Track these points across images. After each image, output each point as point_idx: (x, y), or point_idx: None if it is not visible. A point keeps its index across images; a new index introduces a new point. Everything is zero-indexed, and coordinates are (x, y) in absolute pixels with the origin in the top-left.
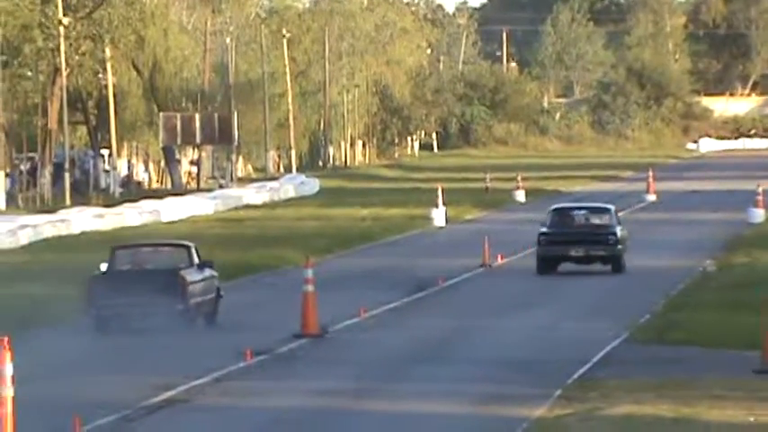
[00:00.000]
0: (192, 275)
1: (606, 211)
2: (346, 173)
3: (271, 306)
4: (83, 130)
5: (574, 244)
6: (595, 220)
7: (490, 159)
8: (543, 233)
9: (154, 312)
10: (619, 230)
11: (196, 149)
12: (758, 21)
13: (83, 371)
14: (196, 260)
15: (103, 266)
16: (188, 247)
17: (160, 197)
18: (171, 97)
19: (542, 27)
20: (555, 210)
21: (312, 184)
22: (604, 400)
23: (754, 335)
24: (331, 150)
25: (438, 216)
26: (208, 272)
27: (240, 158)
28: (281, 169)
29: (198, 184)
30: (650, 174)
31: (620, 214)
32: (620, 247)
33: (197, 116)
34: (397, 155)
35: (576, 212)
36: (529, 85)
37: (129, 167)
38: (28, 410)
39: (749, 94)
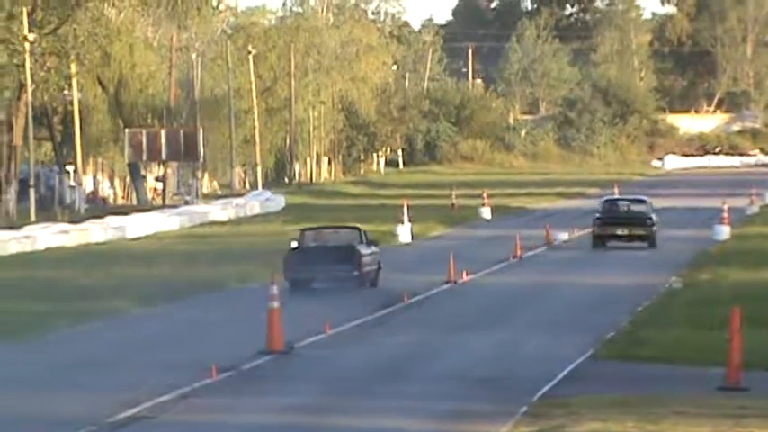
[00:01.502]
0: (363, 250)
1: (644, 201)
2: (312, 189)
3: (236, 322)
4: (48, 146)
5: (620, 225)
6: (636, 208)
7: (456, 176)
8: (597, 217)
9: (336, 277)
10: (654, 216)
11: (161, 166)
12: (723, 38)
13: (41, 389)
14: (365, 239)
15: (294, 243)
16: (359, 229)
17: (126, 213)
18: (136, 113)
19: (508, 44)
20: (606, 200)
21: (278, 201)
22: (570, 417)
23: (719, 351)
24: (297, 167)
25: (404, 232)
26: (373, 248)
27: (206, 175)
28: (247, 186)
29: (163, 200)
30: (615, 191)
31: (586, 231)
32: (654, 228)
33: (162, 132)
34: (362, 171)
35: (621, 202)
36: (494, 102)
37: (94, 183)
38: None
39: (714, 112)
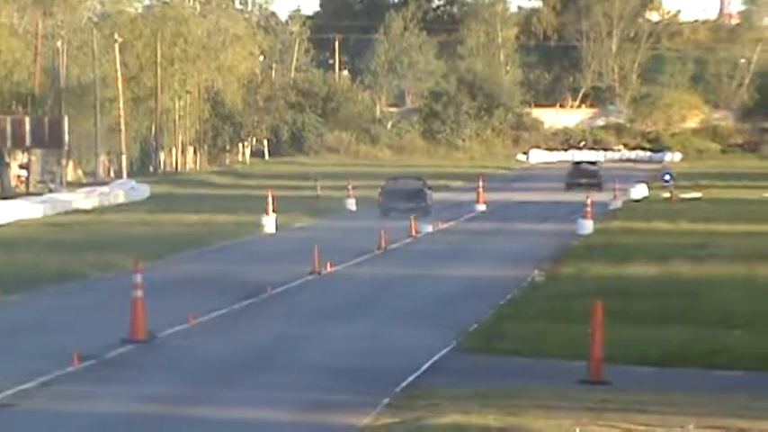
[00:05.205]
0: (426, 191)
1: (596, 163)
2: (177, 179)
3: (98, 311)
4: None
5: (582, 177)
6: (591, 168)
7: (321, 167)
8: (568, 173)
9: (412, 207)
10: (601, 172)
11: (26, 153)
12: (589, 33)
13: None
14: (426, 185)
15: (386, 185)
16: (423, 179)
17: None
18: (1, 100)
19: (375, 36)
20: (573, 163)
21: (143, 190)
22: (432, 409)
23: (580, 345)
24: (162, 156)
25: (269, 223)
26: (430, 191)
27: (70, 163)
28: (112, 174)
29: (27, 187)
30: (480, 184)
31: (450, 224)
32: (602, 179)
33: (27, 119)
34: (228, 161)
35: (582, 164)
36: (361, 94)
37: None
38: None
39: (579, 106)
